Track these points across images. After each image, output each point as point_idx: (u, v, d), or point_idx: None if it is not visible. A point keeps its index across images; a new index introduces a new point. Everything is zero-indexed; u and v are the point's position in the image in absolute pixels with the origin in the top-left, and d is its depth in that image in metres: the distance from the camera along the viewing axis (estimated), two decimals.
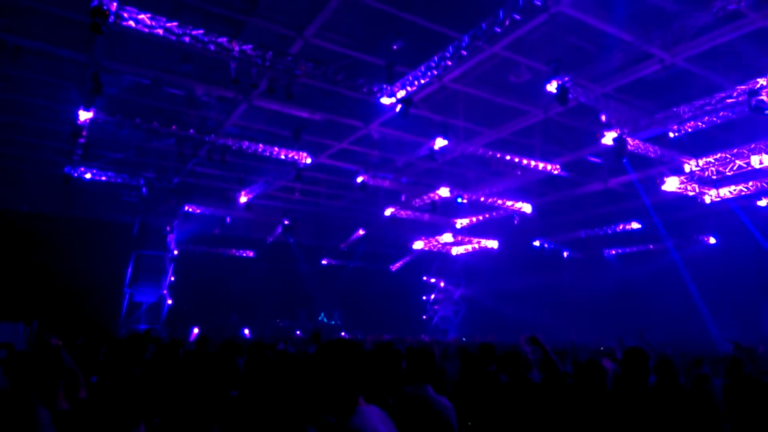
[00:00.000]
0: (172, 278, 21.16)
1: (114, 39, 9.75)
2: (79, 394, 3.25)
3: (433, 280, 30.46)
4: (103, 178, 17.05)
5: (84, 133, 12.89)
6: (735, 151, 12.91)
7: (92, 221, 20.28)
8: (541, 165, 14.62)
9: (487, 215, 20.28)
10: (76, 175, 16.36)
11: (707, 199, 15.51)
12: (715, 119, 11.27)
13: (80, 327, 11.11)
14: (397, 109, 10.80)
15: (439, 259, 29.13)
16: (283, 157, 14.49)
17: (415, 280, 29.81)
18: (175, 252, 21.52)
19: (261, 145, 14.14)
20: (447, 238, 22.73)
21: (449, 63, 9.58)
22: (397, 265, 29.11)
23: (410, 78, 10.29)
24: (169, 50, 10.65)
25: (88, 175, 16.64)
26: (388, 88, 10.55)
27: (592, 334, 19.00)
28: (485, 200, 18.10)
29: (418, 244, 24.45)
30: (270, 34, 10.07)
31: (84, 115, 11.80)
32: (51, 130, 14.92)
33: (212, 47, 9.09)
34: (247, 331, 21.29)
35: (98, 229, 20.15)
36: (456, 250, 25.39)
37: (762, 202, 15.90)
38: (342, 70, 10.25)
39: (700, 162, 13.62)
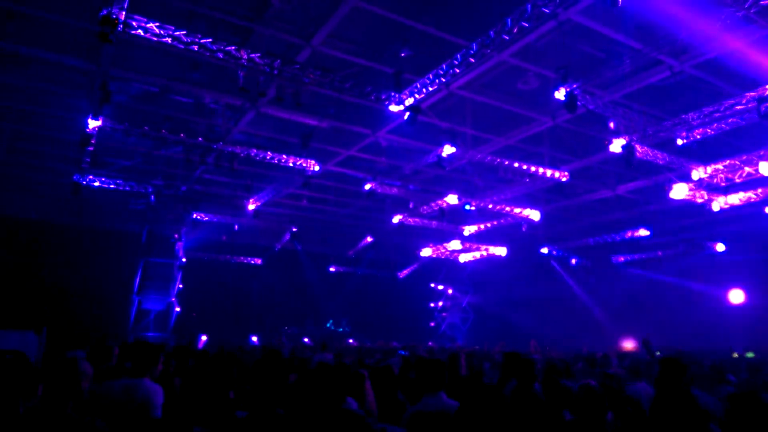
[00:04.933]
0: (180, 286, 21.18)
1: (122, 47, 9.81)
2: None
3: (440, 288, 30.36)
4: (112, 186, 17.14)
5: (92, 141, 12.97)
6: (744, 157, 12.79)
7: (100, 229, 20.38)
8: (549, 172, 14.56)
9: (495, 222, 20.21)
10: (84, 183, 16.45)
11: (715, 207, 15.34)
12: (723, 126, 11.16)
13: (88, 335, 11.12)
14: (405, 117, 10.81)
15: (446, 267, 29.04)
16: (291, 164, 14.52)
17: (423, 288, 29.71)
18: (184, 259, 21.56)
19: (269, 153, 14.19)
20: (455, 245, 22.64)
21: (457, 70, 9.58)
22: (405, 272, 29.05)
23: (418, 85, 10.30)
24: (178, 58, 10.75)
25: (96, 183, 16.73)
26: (396, 95, 10.57)
27: (599, 341, 18.82)
28: (493, 207, 18.04)
29: (425, 252, 24.38)
30: (278, 41, 10.13)
31: (93, 124, 11.88)
32: (60, 139, 15.01)
33: (221, 55, 9.15)
34: (255, 339, 21.28)
35: (106, 237, 20.25)
36: (464, 258, 25.28)
37: None
38: (350, 78, 10.28)
39: (709, 169, 13.50)
